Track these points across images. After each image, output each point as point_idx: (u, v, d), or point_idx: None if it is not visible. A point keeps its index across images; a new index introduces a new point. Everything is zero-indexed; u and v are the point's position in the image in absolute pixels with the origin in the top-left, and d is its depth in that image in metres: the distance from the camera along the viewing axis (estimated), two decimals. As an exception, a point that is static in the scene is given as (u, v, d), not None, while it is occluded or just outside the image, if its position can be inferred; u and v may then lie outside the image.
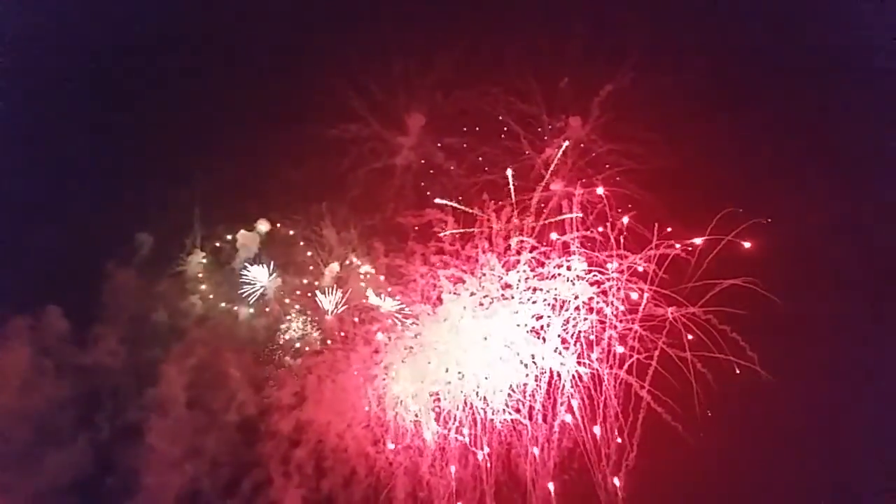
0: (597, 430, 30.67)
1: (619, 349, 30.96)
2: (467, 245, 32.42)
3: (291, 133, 33.04)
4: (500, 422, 31.01)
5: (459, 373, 31.51)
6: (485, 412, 31.01)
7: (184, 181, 32.73)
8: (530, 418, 30.90)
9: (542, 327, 31.62)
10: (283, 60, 34.27)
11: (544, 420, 30.96)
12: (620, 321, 31.17)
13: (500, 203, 32.60)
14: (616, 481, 30.44)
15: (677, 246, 30.78)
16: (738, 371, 29.29)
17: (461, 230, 32.66)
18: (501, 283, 32.00)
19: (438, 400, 31.47)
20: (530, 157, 33.61)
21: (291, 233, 34.36)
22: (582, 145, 33.44)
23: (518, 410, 31.02)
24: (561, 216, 32.36)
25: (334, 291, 33.71)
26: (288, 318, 33.72)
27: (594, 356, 31.11)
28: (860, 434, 29.65)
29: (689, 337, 29.84)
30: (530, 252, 31.94)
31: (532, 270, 31.92)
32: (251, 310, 33.75)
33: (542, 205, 32.53)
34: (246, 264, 33.81)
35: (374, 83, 33.71)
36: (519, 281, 31.91)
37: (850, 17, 33.38)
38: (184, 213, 33.44)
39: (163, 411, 30.62)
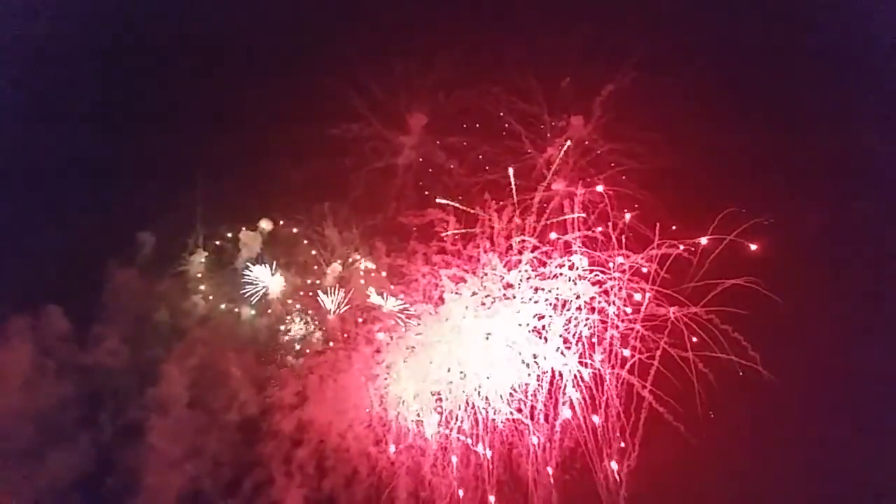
0: (598, 429, 30.65)
1: (621, 349, 30.93)
2: (469, 245, 32.45)
3: (293, 133, 33.11)
4: (501, 421, 30.99)
5: (461, 372, 31.50)
6: (486, 412, 30.99)
7: (186, 181, 32.78)
8: (532, 418, 30.91)
9: (543, 327, 31.60)
10: (285, 60, 34.35)
11: (546, 420, 30.95)
12: (622, 321, 31.16)
13: (502, 203, 32.61)
14: (618, 480, 30.42)
15: (681, 248, 30.75)
16: (741, 373, 29.28)
17: (463, 230, 32.66)
18: (503, 282, 32.00)
19: (440, 399, 31.45)
20: (532, 157, 33.66)
21: (295, 230, 34.41)
22: (586, 142, 33.51)
23: (520, 410, 31.01)
24: (563, 216, 32.36)
25: (336, 291, 33.72)
26: (290, 317, 33.71)
27: (596, 356, 31.08)
28: (861, 433, 29.58)
29: (694, 339, 29.84)
30: (532, 252, 31.95)
31: (534, 270, 31.92)
32: (253, 310, 33.75)
33: (544, 204, 32.56)
34: (248, 264, 33.82)
35: (376, 83, 33.80)
36: (520, 281, 31.91)
37: (852, 17, 33.41)
38: (186, 213, 33.48)
39: (164, 411, 30.58)
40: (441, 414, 31.37)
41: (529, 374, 31.25)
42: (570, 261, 31.70)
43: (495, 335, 31.75)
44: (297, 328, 33.60)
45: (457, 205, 32.95)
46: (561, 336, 31.40)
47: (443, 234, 32.70)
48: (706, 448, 29.34)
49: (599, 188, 32.32)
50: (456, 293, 32.17)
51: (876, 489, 29.25)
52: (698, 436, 29.47)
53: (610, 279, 31.43)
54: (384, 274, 33.74)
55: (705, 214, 30.68)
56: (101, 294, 31.11)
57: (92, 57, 33.85)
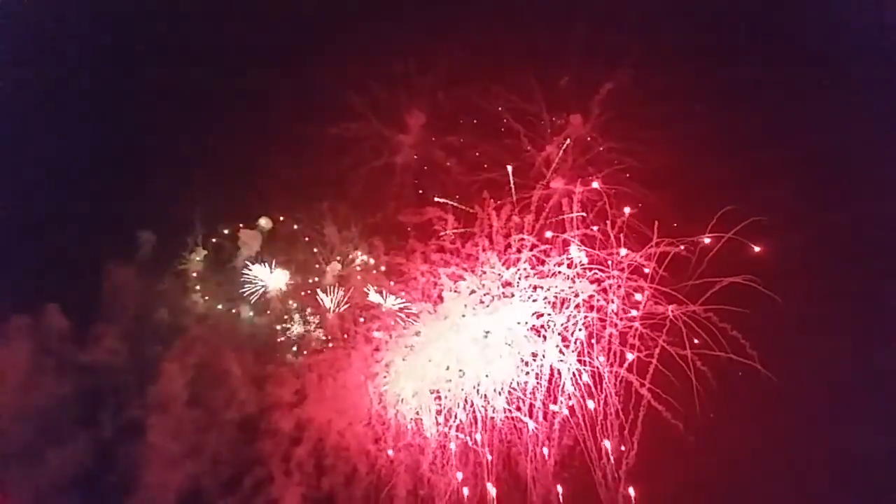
0: (597, 427, 30.67)
1: (620, 347, 30.95)
2: (468, 243, 32.45)
3: (293, 132, 33.17)
4: (500, 419, 31.02)
5: (460, 370, 31.52)
6: (485, 409, 31.02)
7: (186, 180, 32.79)
8: (531, 416, 30.91)
9: (542, 325, 31.61)
10: (284, 59, 34.32)
11: (545, 418, 30.97)
12: (621, 319, 31.17)
13: (501, 201, 32.63)
14: (616, 478, 30.46)
15: (680, 246, 30.75)
16: (740, 373, 29.27)
17: (462, 229, 32.68)
18: (502, 280, 32.01)
19: (439, 398, 31.47)
20: (531, 155, 33.67)
21: (295, 227, 34.44)
22: (588, 139, 33.50)
23: (518, 408, 31.04)
24: (561, 214, 32.38)
25: (336, 290, 33.76)
26: (289, 316, 33.75)
27: (595, 354, 31.09)
28: (860, 432, 29.56)
29: (696, 342, 29.83)
30: (531, 250, 31.96)
31: (532, 268, 31.94)
32: (252, 308, 33.80)
33: (543, 203, 32.55)
34: (248, 262, 33.86)
35: (375, 82, 33.82)
36: (519, 279, 31.92)
37: (852, 17, 33.38)
38: (185, 212, 33.53)
39: (164, 409, 30.62)
40: (440, 412, 31.39)
41: (528, 373, 31.28)
42: (568, 258, 31.72)
43: (494, 333, 31.78)
44: (296, 327, 33.64)
45: (455, 204, 32.99)
46: (560, 334, 31.42)
47: (442, 233, 32.72)
48: (704, 445, 29.36)
49: (595, 185, 32.31)
50: (455, 291, 32.19)
51: (875, 488, 29.26)
52: (696, 433, 29.49)
53: (609, 277, 31.45)
54: (383, 268, 33.79)
55: (704, 213, 30.68)
56: (100, 293, 31.15)
57: (92, 56, 33.87)
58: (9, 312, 29.72)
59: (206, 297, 33.79)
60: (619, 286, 31.31)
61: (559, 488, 30.77)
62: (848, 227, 30.81)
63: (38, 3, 35.02)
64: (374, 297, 33.44)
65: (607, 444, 30.56)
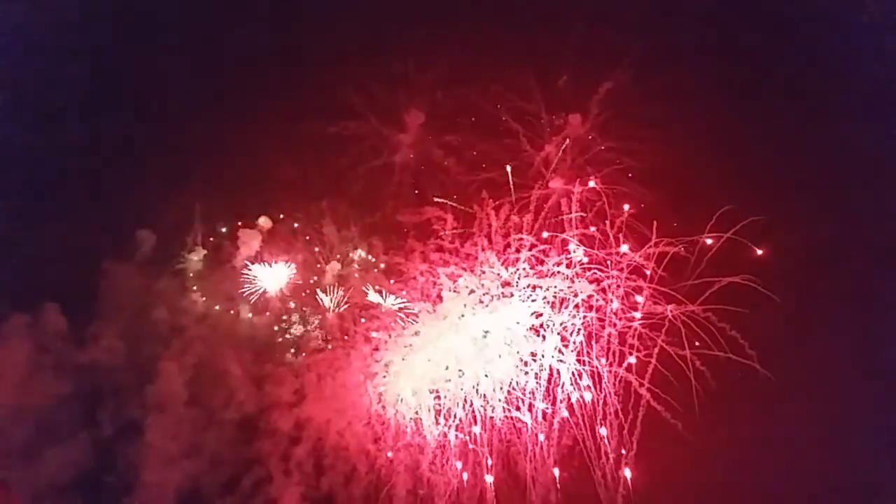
0: (596, 427, 30.66)
1: (619, 347, 30.95)
2: (467, 243, 32.45)
3: (291, 130, 33.13)
4: (499, 419, 31.03)
5: (459, 370, 31.52)
6: (484, 409, 31.02)
7: (184, 178, 32.78)
8: (530, 416, 30.90)
9: (541, 325, 31.61)
10: (283, 58, 34.30)
11: (544, 418, 30.96)
12: (620, 319, 31.17)
13: (500, 201, 32.61)
14: (616, 478, 30.45)
15: (679, 246, 30.75)
16: (739, 374, 29.25)
17: (461, 230, 32.68)
18: (501, 280, 32.01)
19: (438, 397, 31.46)
20: (529, 155, 33.66)
21: (295, 225, 34.42)
22: (590, 137, 33.49)
23: (518, 408, 31.04)
24: (560, 214, 32.37)
25: (335, 290, 33.76)
26: (287, 316, 33.75)
27: (594, 354, 31.09)
28: (860, 432, 29.57)
29: (697, 344, 29.79)
30: (529, 250, 31.96)
31: (532, 268, 31.94)
32: (251, 308, 33.79)
33: (542, 202, 32.54)
34: (247, 262, 33.85)
35: (374, 80, 33.81)
36: (518, 279, 31.92)
37: (852, 17, 33.35)
38: (184, 211, 33.52)
39: (162, 409, 30.63)
40: (439, 411, 31.39)
41: (527, 372, 31.27)
42: (567, 258, 31.72)
43: (493, 333, 31.76)
44: (295, 326, 33.64)
45: (454, 204, 32.99)
46: (559, 334, 31.41)
47: (441, 233, 32.72)
48: (704, 446, 29.32)
49: (591, 183, 32.29)
50: (454, 291, 32.19)
51: (875, 488, 29.26)
52: (696, 433, 29.46)
53: (608, 277, 31.45)
54: (382, 265, 33.81)
55: (703, 212, 30.63)
56: (99, 292, 31.14)
57: (89, 54, 33.79)
58: (7, 311, 29.69)
59: (211, 294, 33.78)
60: (619, 286, 31.33)
61: (558, 487, 30.77)
62: (848, 226, 30.81)
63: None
64: (373, 296, 33.46)
65: (606, 443, 30.57)
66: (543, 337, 31.48)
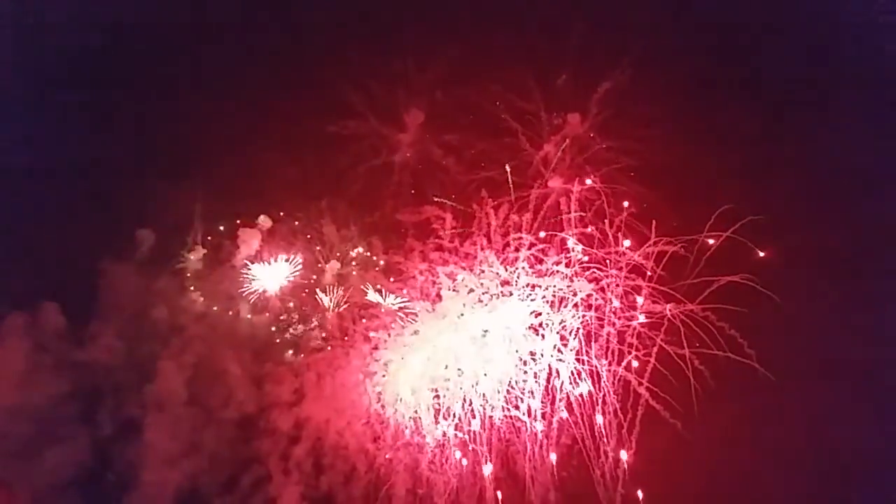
0: (595, 426, 30.67)
1: (618, 346, 30.96)
2: (466, 242, 32.47)
3: (291, 130, 33.19)
4: (499, 418, 31.02)
5: (458, 369, 31.52)
6: (484, 408, 31.02)
7: (184, 178, 32.78)
8: (529, 415, 30.91)
9: (540, 324, 31.62)
10: (283, 57, 34.35)
11: (543, 416, 30.96)
12: (619, 318, 31.18)
13: (499, 200, 32.63)
14: (615, 477, 30.46)
15: (680, 246, 30.77)
16: (738, 374, 29.25)
17: (461, 229, 32.69)
18: (500, 279, 32.02)
19: (438, 396, 31.46)
20: (529, 154, 33.71)
21: (296, 224, 34.43)
22: (590, 136, 33.50)
23: (517, 407, 31.03)
24: (560, 213, 32.39)
25: (335, 289, 33.77)
26: (286, 315, 33.76)
27: (593, 353, 31.10)
28: (859, 432, 29.56)
29: (697, 344, 29.81)
30: (528, 249, 31.97)
31: (531, 267, 31.95)
32: (251, 307, 33.79)
33: (541, 202, 32.56)
34: (247, 261, 33.85)
35: (373, 80, 33.84)
36: (517, 278, 31.93)
37: (851, 17, 33.38)
38: (184, 210, 33.51)
39: (162, 408, 30.60)
40: (439, 411, 31.39)
41: (526, 371, 31.28)
42: (566, 258, 31.74)
43: (492, 332, 31.77)
44: (295, 326, 33.64)
45: (453, 203, 33.01)
46: (558, 333, 31.42)
47: (440, 232, 32.72)
48: (702, 445, 29.34)
49: (588, 181, 32.30)
50: (453, 290, 32.20)
51: (874, 487, 29.25)
52: (695, 433, 29.47)
53: (607, 276, 31.46)
54: (382, 263, 33.84)
55: (703, 211, 30.69)
56: (98, 291, 31.13)
57: (89, 53, 33.83)
58: (6, 310, 29.68)
59: (210, 293, 33.77)
60: (618, 285, 31.34)
61: (556, 485, 30.79)
62: (847, 226, 30.85)
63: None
64: (372, 295, 33.47)
65: (606, 441, 30.57)
66: (543, 336, 31.49)
